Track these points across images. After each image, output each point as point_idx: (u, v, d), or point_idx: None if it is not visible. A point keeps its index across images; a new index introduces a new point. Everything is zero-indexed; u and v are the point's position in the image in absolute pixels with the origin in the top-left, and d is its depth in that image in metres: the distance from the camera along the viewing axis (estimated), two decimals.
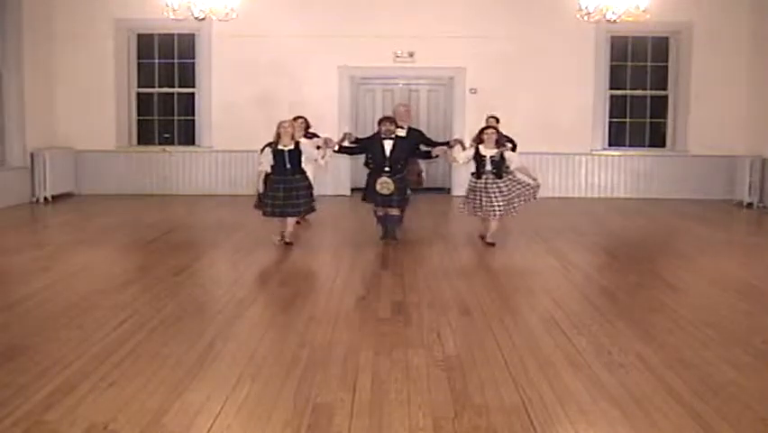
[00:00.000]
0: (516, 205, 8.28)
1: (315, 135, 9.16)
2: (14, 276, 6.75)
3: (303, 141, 8.32)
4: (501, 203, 8.16)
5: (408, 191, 8.54)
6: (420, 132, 9.21)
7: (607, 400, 3.85)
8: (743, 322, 5.44)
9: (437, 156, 8.59)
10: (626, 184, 13.29)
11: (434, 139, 9.34)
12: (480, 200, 8.19)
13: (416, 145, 8.60)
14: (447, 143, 8.80)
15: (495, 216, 8.20)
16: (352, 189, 12.88)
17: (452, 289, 6.36)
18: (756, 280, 6.90)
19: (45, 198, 11.97)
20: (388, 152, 8.17)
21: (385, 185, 8.14)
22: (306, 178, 8.16)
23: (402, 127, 8.59)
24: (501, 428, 3.50)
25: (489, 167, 8.21)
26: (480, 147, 8.28)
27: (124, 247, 8.50)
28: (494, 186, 8.18)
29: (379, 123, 8.41)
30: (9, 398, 3.76)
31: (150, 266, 7.22)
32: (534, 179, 8.41)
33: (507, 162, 8.28)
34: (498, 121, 9.29)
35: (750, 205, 12.16)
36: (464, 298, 6.04)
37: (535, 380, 4.12)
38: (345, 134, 9.07)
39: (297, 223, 8.65)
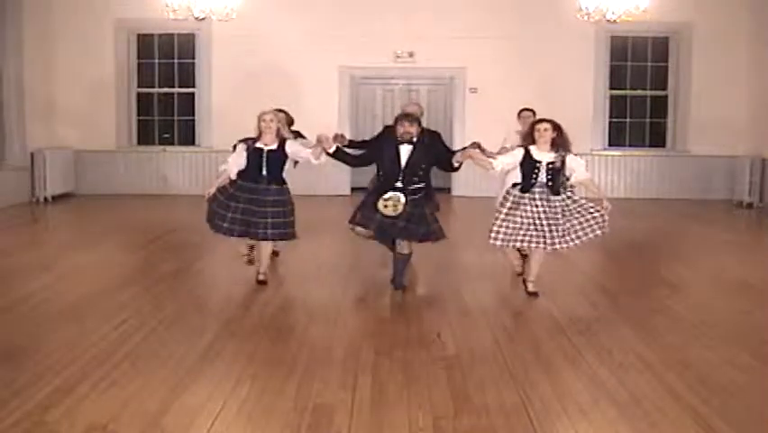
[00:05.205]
0: (581, 236, 5.94)
1: (298, 134, 7.50)
2: (14, 276, 6.73)
3: (290, 140, 6.42)
4: (560, 231, 5.89)
5: (433, 225, 6.22)
6: (438, 134, 7.23)
7: (607, 399, 3.85)
8: (743, 322, 5.44)
9: (460, 164, 6.12)
10: (626, 184, 13.28)
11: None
12: (528, 225, 5.90)
13: (442, 153, 6.56)
14: (464, 150, 6.63)
15: (548, 247, 5.93)
16: (353, 189, 12.87)
17: (452, 289, 6.36)
18: (756, 280, 6.89)
19: (45, 198, 11.95)
20: (404, 161, 6.01)
21: (390, 202, 5.93)
22: (287, 191, 6.26)
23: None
24: (501, 428, 3.50)
25: (543, 177, 5.90)
26: (532, 149, 5.99)
27: (124, 247, 8.50)
28: (546, 205, 5.90)
29: (396, 122, 6.22)
30: (9, 398, 3.75)
31: (151, 266, 7.22)
32: (603, 200, 5.97)
33: (569, 173, 5.98)
34: (535, 115, 7.43)
35: (750, 205, 12.15)
36: (464, 298, 6.04)
37: (535, 380, 4.12)
38: (336, 135, 6.61)
39: (275, 255, 6.97)
